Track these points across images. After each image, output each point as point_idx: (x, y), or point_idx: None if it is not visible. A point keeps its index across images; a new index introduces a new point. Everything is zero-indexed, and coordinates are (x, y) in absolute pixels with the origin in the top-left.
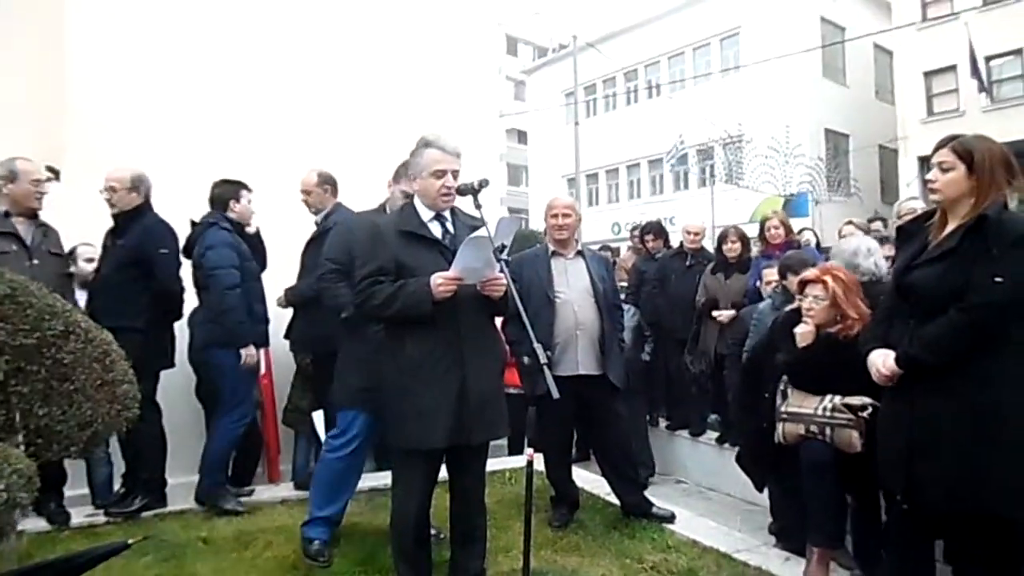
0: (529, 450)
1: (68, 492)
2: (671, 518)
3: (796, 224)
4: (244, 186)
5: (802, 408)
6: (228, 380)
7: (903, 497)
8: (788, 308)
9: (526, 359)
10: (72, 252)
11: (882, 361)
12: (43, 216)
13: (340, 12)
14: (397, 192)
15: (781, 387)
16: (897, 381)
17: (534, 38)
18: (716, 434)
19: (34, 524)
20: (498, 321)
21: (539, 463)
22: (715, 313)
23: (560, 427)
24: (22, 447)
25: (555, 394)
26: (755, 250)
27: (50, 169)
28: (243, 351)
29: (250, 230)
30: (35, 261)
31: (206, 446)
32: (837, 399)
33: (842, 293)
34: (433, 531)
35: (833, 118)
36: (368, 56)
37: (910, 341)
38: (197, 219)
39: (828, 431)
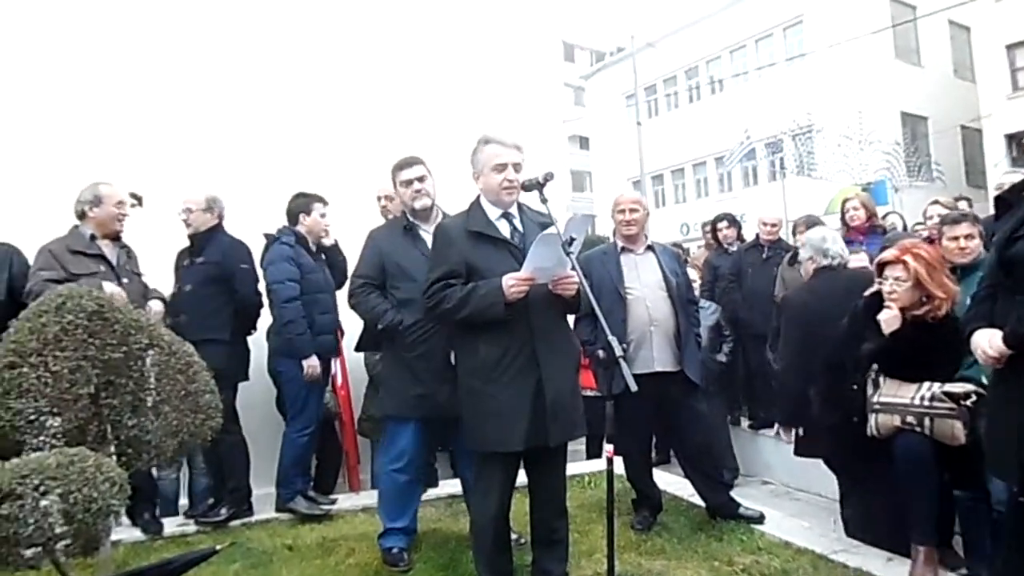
0: (608, 447)
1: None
2: (760, 519)
3: (879, 211)
4: (317, 199)
5: (897, 397)
6: (291, 390)
7: (1019, 488)
8: (867, 292)
9: (601, 353)
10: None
11: (988, 341)
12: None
13: (404, 30)
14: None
15: (872, 376)
16: (1006, 362)
17: (591, 43)
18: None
19: (129, 534)
20: (570, 320)
21: (619, 465)
22: None
23: (639, 426)
24: (114, 457)
25: (632, 387)
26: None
27: (134, 195)
28: (304, 362)
29: (327, 242)
30: (124, 280)
31: (279, 456)
32: (936, 387)
33: (925, 272)
34: (514, 535)
35: (909, 100)
36: (431, 72)
37: (1019, 318)
38: (271, 233)
39: (927, 422)
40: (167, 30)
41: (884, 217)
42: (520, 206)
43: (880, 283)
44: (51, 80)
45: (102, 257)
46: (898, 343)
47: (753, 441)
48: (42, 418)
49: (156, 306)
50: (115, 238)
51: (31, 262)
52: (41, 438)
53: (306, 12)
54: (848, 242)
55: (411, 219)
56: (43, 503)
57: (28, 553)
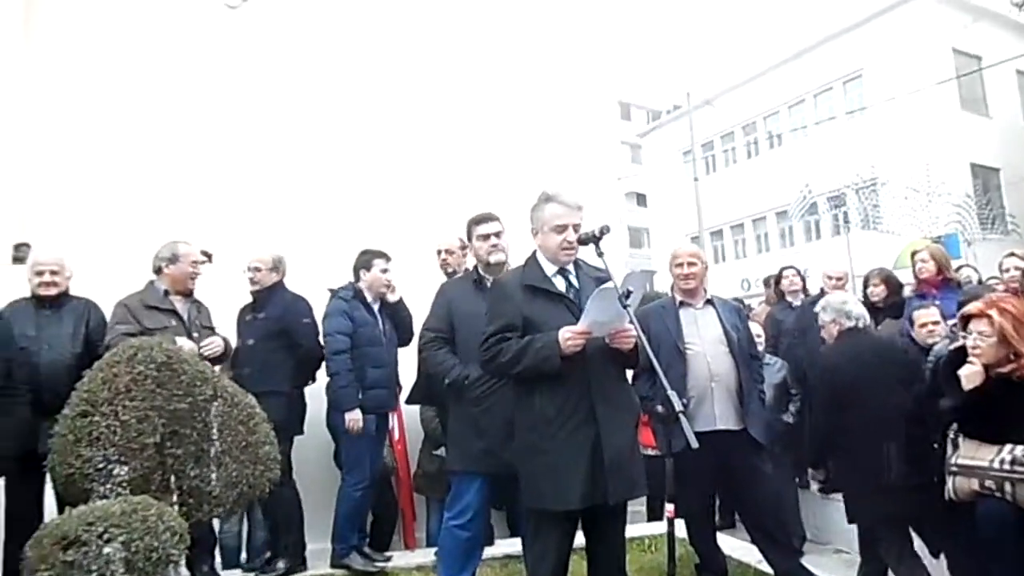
0: (669, 507)
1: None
2: None
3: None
4: (379, 255)
5: (976, 460)
6: (347, 444)
7: None
8: (952, 346)
9: (660, 408)
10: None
11: None
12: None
13: (468, 89)
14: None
15: (951, 436)
16: None
17: (647, 102)
18: None
19: None
20: (628, 375)
21: (681, 527)
22: None
23: (701, 486)
24: (175, 507)
25: (693, 443)
26: (908, 290)
27: (204, 252)
28: (346, 415)
29: (392, 298)
30: (194, 335)
31: (335, 510)
32: (1018, 450)
33: (1011, 328)
34: None
35: (979, 152)
36: (492, 131)
37: None
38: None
39: (1008, 486)
40: (238, 92)
41: (957, 270)
42: (576, 261)
43: (964, 337)
44: (124, 143)
45: (174, 312)
46: (979, 401)
47: (824, 506)
48: (110, 466)
49: (186, 344)
50: (187, 294)
51: (107, 316)
52: (108, 486)
53: (372, 73)
54: (920, 296)
55: (481, 273)
56: (106, 550)
57: None
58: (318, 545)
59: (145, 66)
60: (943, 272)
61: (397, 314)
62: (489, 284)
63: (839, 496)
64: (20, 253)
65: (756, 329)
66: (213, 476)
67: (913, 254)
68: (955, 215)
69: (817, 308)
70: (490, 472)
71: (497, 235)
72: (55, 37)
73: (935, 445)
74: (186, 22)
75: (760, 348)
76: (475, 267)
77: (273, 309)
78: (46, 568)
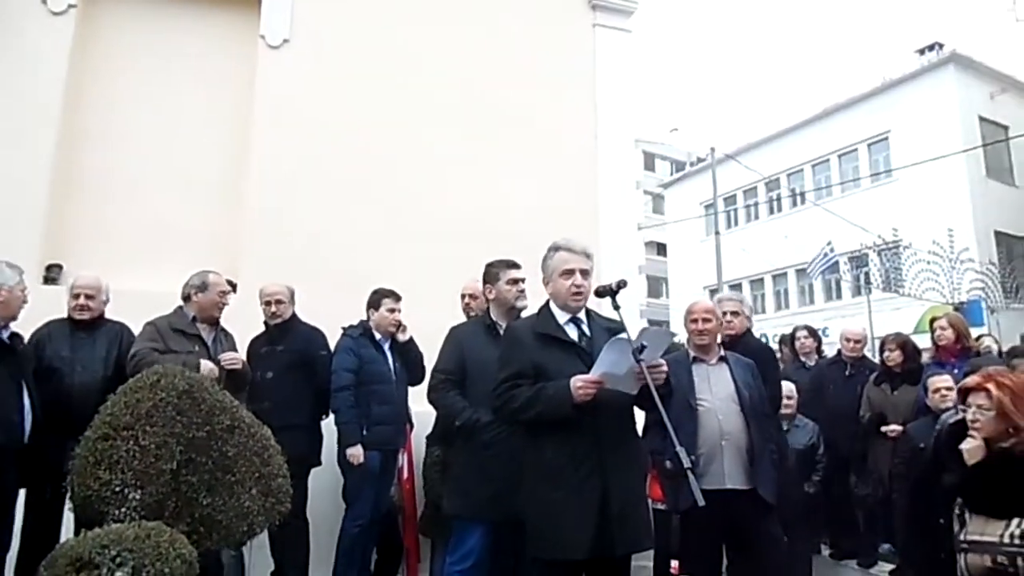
0: (674, 564)
1: None
2: None
3: (974, 333)
4: (388, 294)
5: (984, 536)
6: (349, 480)
7: None
8: (951, 420)
9: (668, 464)
10: None
11: None
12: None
13: (483, 132)
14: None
15: (957, 511)
16: None
17: (671, 153)
18: (890, 566)
19: None
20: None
21: None
22: (884, 428)
23: (708, 544)
24: (186, 535)
25: (700, 501)
26: (925, 357)
27: (229, 282)
28: (348, 450)
29: (402, 337)
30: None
31: (336, 546)
32: None
33: (1010, 402)
34: None
35: (1003, 220)
36: (512, 169)
37: None
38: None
39: (1020, 561)
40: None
41: (978, 339)
42: (588, 312)
43: (963, 410)
44: (154, 170)
45: (199, 338)
46: (982, 475)
47: (835, 572)
48: (126, 490)
49: (206, 365)
50: (213, 322)
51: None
52: (123, 509)
53: (393, 111)
54: (939, 364)
55: (495, 319)
56: (118, 574)
57: None
58: None
59: (179, 94)
60: (961, 340)
61: (408, 353)
62: (503, 331)
63: (851, 563)
64: (52, 274)
65: (788, 388)
66: (225, 506)
67: (932, 320)
68: (978, 282)
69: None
70: (497, 519)
71: (523, 281)
72: (101, 58)
73: (941, 520)
74: (220, 57)
75: (791, 410)
76: (486, 312)
77: (293, 342)
78: None
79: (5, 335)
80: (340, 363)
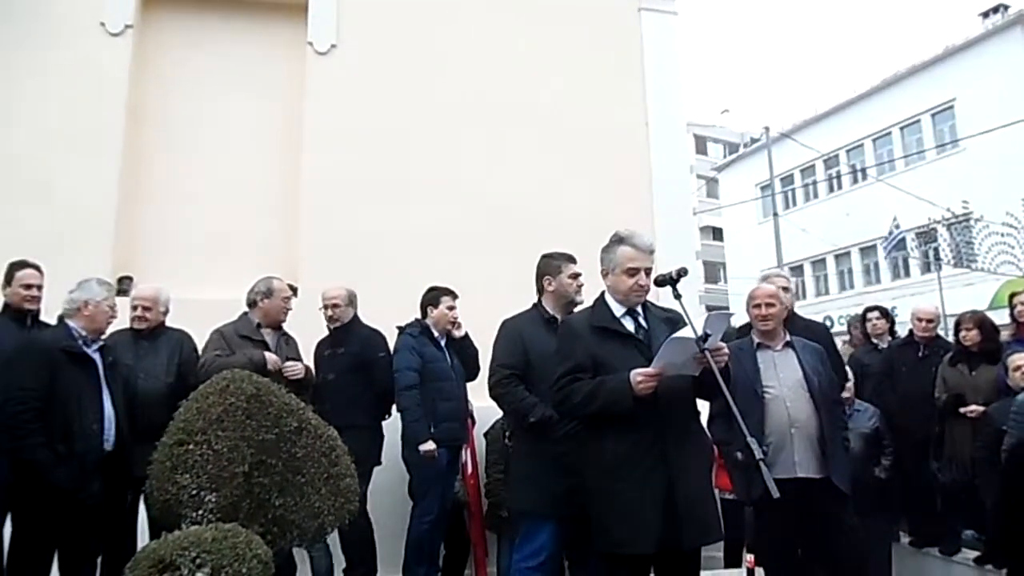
0: (748, 557)
1: None
2: None
3: None
4: (446, 292)
5: None
6: (416, 476)
7: None
8: None
9: (739, 455)
10: None
11: None
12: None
13: (539, 120)
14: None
15: None
16: None
17: (724, 135)
18: (975, 553)
19: None
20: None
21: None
22: (963, 409)
23: (781, 535)
24: (260, 535)
25: (775, 492)
26: (1005, 334)
27: (291, 287)
28: (420, 447)
29: (458, 334)
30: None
31: (405, 542)
32: None
33: None
34: None
35: None
36: (562, 162)
37: None
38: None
39: None
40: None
41: None
42: (644, 303)
43: None
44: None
45: (264, 344)
46: None
47: (916, 560)
48: (202, 493)
49: (271, 356)
50: (277, 328)
51: (199, 346)
52: (200, 512)
53: (446, 110)
54: (1020, 341)
55: (551, 312)
56: (198, 575)
57: None
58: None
59: (232, 104)
60: None
61: (464, 350)
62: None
63: (933, 550)
64: (124, 286)
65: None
66: (297, 506)
67: (1012, 296)
68: None
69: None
70: (572, 514)
71: (581, 275)
72: (158, 73)
73: None
74: (270, 65)
75: (849, 394)
76: (540, 304)
77: (352, 344)
78: None
79: (93, 348)
80: (403, 362)
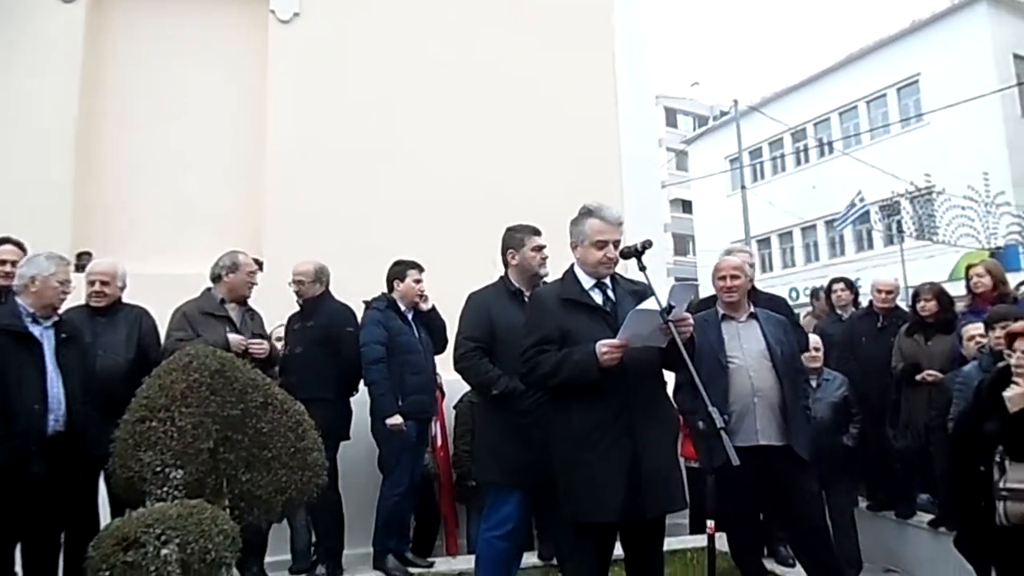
0: (710, 523)
1: (271, 558)
2: None
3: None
4: (412, 265)
5: None
6: (386, 450)
7: None
8: (998, 366)
9: (701, 424)
10: (270, 333)
11: None
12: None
13: (505, 93)
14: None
15: (997, 459)
16: None
17: (694, 108)
18: (929, 516)
19: None
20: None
21: (723, 542)
22: (919, 376)
23: (743, 502)
24: (227, 511)
25: (734, 460)
26: (961, 305)
27: (256, 261)
28: (387, 420)
29: (425, 307)
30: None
31: (375, 515)
32: None
33: None
34: None
35: None
36: (529, 134)
37: None
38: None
39: None
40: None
41: (1018, 287)
42: (613, 275)
43: (1008, 356)
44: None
45: (228, 319)
46: None
47: (873, 523)
48: (167, 470)
49: (234, 337)
50: (242, 302)
51: (158, 323)
52: (165, 489)
53: (413, 83)
54: (974, 312)
55: (517, 285)
56: (164, 552)
57: None
58: (363, 549)
59: (193, 74)
60: (999, 287)
61: (431, 322)
62: (523, 296)
63: (889, 513)
64: (82, 261)
65: (814, 340)
66: (264, 481)
67: (968, 268)
68: (1015, 226)
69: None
70: (537, 484)
71: (545, 248)
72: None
73: (982, 468)
74: (232, 34)
75: (818, 364)
76: (506, 277)
77: (320, 318)
78: (107, 568)
79: (45, 325)
80: (369, 336)
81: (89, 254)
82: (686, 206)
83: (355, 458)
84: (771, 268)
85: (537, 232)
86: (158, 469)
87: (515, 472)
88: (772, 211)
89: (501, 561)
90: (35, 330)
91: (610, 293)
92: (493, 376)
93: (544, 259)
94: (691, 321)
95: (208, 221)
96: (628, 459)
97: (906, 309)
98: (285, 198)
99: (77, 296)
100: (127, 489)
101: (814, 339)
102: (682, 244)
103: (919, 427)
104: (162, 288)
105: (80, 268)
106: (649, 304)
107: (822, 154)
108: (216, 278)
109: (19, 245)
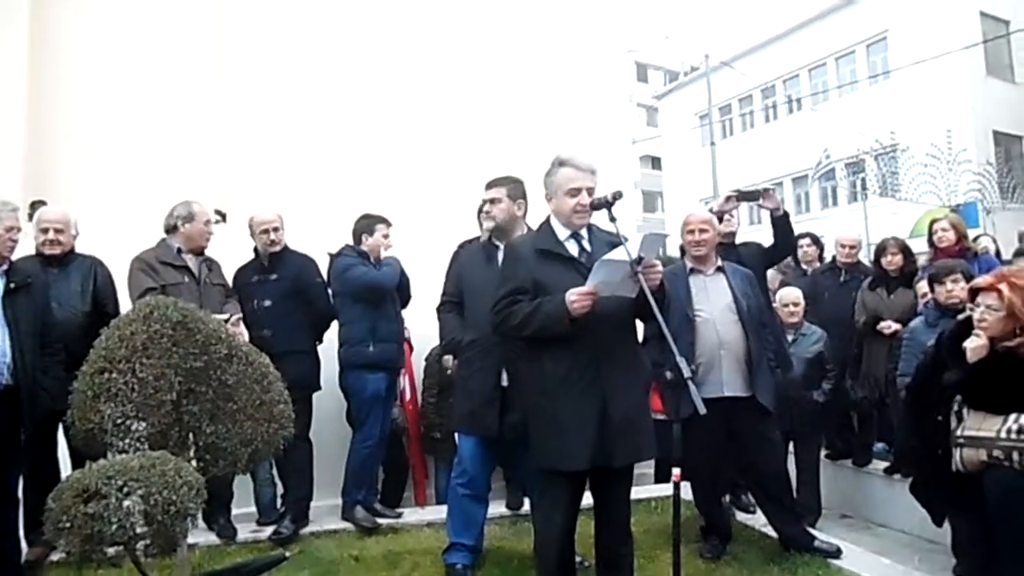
0: (675, 471)
1: (237, 510)
2: (836, 553)
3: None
4: (380, 220)
5: (981, 431)
6: (356, 403)
7: None
8: (959, 318)
9: (668, 374)
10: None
11: None
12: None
13: (476, 48)
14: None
15: (955, 408)
16: None
17: (664, 63)
18: (884, 464)
19: (205, 538)
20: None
21: (687, 491)
22: (882, 325)
23: (708, 451)
24: (192, 463)
25: (701, 409)
26: (922, 259)
27: (218, 212)
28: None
29: (383, 256)
30: (201, 292)
31: (345, 467)
32: None
33: (1020, 302)
34: (578, 558)
35: (1002, 119)
36: (499, 88)
37: None
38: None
39: (1016, 455)
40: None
41: (975, 240)
42: (589, 226)
43: (971, 309)
44: (142, 106)
45: (187, 269)
46: (984, 374)
47: (830, 472)
48: (128, 422)
49: (233, 308)
50: (199, 252)
51: (113, 273)
52: (127, 441)
53: (376, 32)
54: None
55: (493, 239)
56: (126, 503)
57: (111, 551)
58: (332, 501)
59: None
60: (961, 242)
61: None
62: (499, 251)
63: (846, 462)
64: (35, 210)
65: (795, 295)
66: (229, 433)
67: (932, 223)
68: (975, 183)
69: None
70: (477, 433)
71: (492, 201)
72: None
73: (939, 417)
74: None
75: (797, 318)
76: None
77: (286, 270)
78: (68, 520)
79: None
80: (357, 270)
81: (43, 202)
82: (655, 163)
83: (323, 410)
84: (739, 225)
85: (486, 187)
86: (119, 421)
87: (460, 419)
88: (741, 168)
89: (465, 508)
90: None
91: (585, 244)
92: (447, 329)
93: (486, 212)
94: (660, 268)
95: (168, 175)
96: (597, 408)
97: (868, 264)
98: (247, 152)
99: (26, 247)
100: (87, 441)
101: (794, 293)
102: (651, 201)
103: (879, 378)
104: (115, 240)
105: (32, 218)
106: (618, 254)
107: (790, 111)
108: (171, 228)
109: None
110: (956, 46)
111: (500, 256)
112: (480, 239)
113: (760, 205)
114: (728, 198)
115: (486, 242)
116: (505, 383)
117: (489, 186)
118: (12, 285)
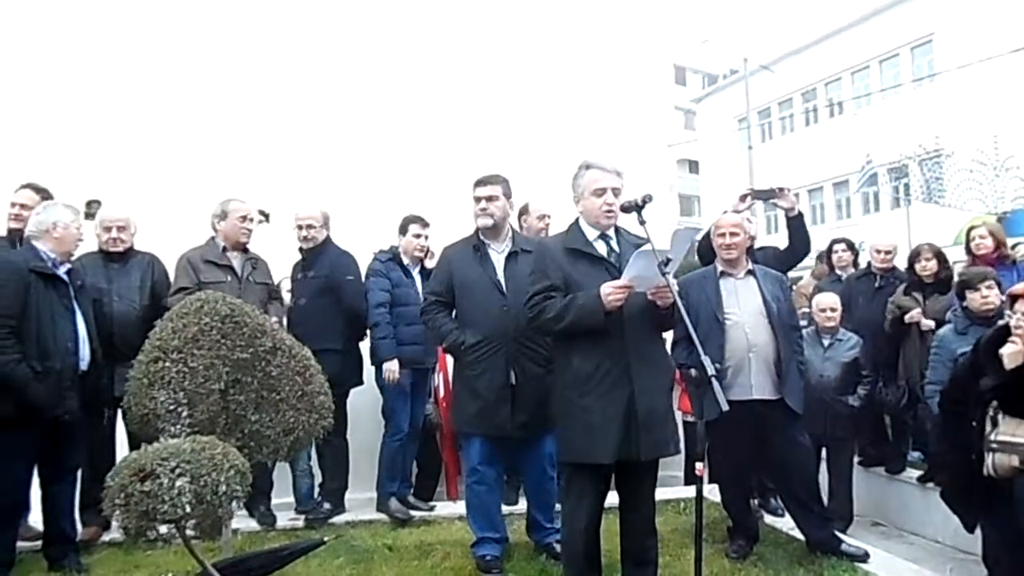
0: (699, 465)
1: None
2: (864, 557)
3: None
4: (414, 220)
5: (1016, 437)
6: (386, 397)
7: None
8: (999, 324)
9: (693, 372)
10: (279, 284)
11: None
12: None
13: (519, 53)
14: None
15: (990, 413)
16: None
17: (703, 66)
18: (918, 472)
19: (246, 524)
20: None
21: (715, 492)
22: (907, 317)
23: (735, 452)
24: (237, 449)
25: (724, 406)
26: (959, 267)
27: (261, 212)
28: (384, 365)
29: (429, 264)
30: (242, 290)
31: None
32: None
33: None
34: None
35: None
36: (539, 96)
37: None
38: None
39: None
40: (291, 61)
41: (1014, 247)
42: (617, 228)
43: (1009, 316)
44: (191, 112)
45: (230, 268)
46: (1020, 380)
47: (863, 479)
48: (179, 408)
49: (276, 310)
50: (242, 250)
51: (169, 270)
52: (178, 426)
53: (422, 40)
54: None
55: (482, 238)
56: (178, 483)
57: (163, 529)
58: (369, 494)
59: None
60: (999, 249)
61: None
62: (491, 250)
63: (879, 469)
64: (91, 209)
65: (832, 300)
66: (272, 422)
67: (970, 229)
68: (1023, 190)
69: (922, 271)
70: (486, 433)
71: (489, 199)
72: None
73: (974, 423)
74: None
75: (834, 323)
76: (476, 231)
77: (321, 267)
78: (125, 497)
79: (62, 271)
80: (373, 284)
81: (99, 202)
82: (693, 166)
83: (362, 405)
84: (777, 230)
85: (479, 183)
86: (171, 407)
87: (468, 420)
88: (780, 172)
89: (481, 504)
90: (60, 272)
91: (613, 244)
92: (445, 330)
93: (483, 210)
94: (673, 289)
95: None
96: (625, 402)
97: (903, 270)
98: (293, 150)
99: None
100: (142, 426)
101: (832, 298)
102: (688, 205)
103: (914, 383)
104: (172, 237)
105: (89, 216)
106: (647, 247)
107: (832, 114)
108: (214, 227)
109: (39, 191)
110: (1004, 49)
111: (492, 255)
112: (471, 240)
113: (775, 204)
114: (743, 197)
115: (477, 241)
116: (514, 382)
117: (483, 183)
118: (79, 282)
